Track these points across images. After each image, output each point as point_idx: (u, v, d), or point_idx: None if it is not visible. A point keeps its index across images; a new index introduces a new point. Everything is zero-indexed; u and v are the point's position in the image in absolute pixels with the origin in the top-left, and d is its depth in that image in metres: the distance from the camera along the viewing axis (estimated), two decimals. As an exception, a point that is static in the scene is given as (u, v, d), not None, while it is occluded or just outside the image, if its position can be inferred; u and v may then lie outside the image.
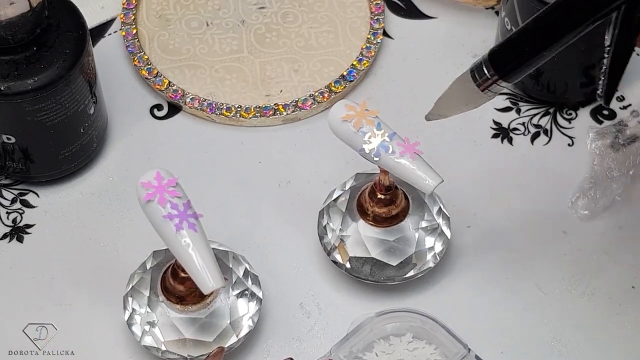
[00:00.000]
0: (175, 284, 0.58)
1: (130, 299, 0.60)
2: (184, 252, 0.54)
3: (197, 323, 0.59)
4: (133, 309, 0.60)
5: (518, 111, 0.70)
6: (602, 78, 0.49)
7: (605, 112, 0.70)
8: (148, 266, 0.61)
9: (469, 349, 0.58)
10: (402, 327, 0.60)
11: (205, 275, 0.53)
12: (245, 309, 0.60)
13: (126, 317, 0.60)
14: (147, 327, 0.59)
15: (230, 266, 0.61)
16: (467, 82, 0.53)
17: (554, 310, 0.63)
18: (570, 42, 0.48)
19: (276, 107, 0.70)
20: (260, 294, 0.61)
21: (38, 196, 0.67)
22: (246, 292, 0.60)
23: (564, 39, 0.48)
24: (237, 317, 0.60)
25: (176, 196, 0.55)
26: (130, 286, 0.61)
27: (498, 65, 0.52)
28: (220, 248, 0.61)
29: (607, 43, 0.46)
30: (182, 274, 0.58)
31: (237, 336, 0.59)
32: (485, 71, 0.52)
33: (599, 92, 0.49)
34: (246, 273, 0.61)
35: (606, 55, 0.47)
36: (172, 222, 0.54)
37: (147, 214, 0.55)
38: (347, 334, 0.59)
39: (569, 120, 0.70)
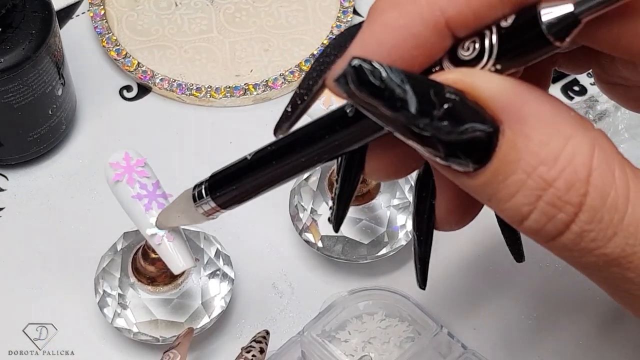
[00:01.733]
0: (146, 265, 0.58)
1: (101, 281, 0.60)
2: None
3: (168, 304, 0.59)
4: (104, 291, 0.60)
5: (489, 88, 0.70)
6: (333, 204, 0.47)
7: (576, 88, 0.70)
8: (118, 248, 0.60)
9: (442, 326, 0.58)
10: (375, 305, 0.60)
11: (175, 256, 0.53)
12: (217, 290, 0.60)
13: (97, 300, 0.60)
14: (118, 309, 0.59)
15: (202, 247, 0.60)
16: (190, 201, 0.48)
17: (528, 286, 0.63)
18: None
19: (246, 87, 0.70)
20: (232, 274, 0.60)
21: (7, 179, 0.67)
22: (218, 272, 0.60)
23: (289, 179, 0.44)
24: (209, 297, 0.59)
25: (145, 176, 0.54)
26: (101, 268, 0.60)
27: (218, 194, 0.46)
28: (191, 228, 0.61)
29: (335, 174, 0.45)
30: (153, 255, 0.57)
31: (209, 317, 0.59)
32: (205, 195, 0.47)
33: (329, 216, 0.47)
34: (218, 253, 0.61)
35: (336, 184, 0.45)
36: (141, 202, 0.53)
37: (115, 194, 0.54)
38: (320, 313, 0.59)
39: (540, 97, 0.70)
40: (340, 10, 0.73)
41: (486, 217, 0.65)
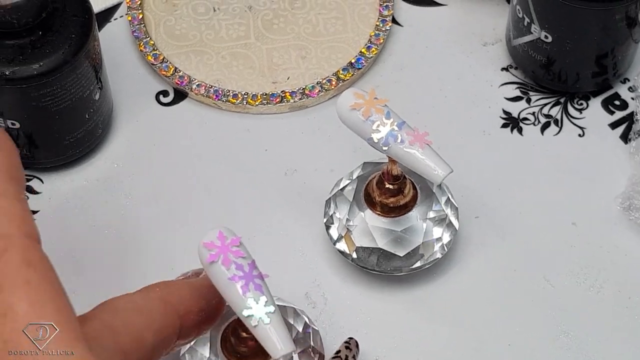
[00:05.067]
0: (237, 345, 0.57)
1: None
2: None
3: None
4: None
5: (528, 101, 0.70)
6: None
7: (617, 103, 0.69)
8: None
9: None
10: None
11: (275, 339, 0.51)
12: None
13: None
14: None
15: (292, 323, 0.59)
16: None
17: (562, 303, 0.63)
18: None
19: (283, 95, 0.69)
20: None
21: (42, 182, 0.67)
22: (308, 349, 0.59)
23: None
24: None
25: (240, 256, 0.52)
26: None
27: None
28: (280, 303, 0.59)
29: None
30: (244, 334, 0.56)
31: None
32: None
33: None
34: (306, 326, 0.60)
35: None
36: (238, 284, 0.52)
37: (210, 275, 0.52)
38: None
39: (580, 111, 0.69)
40: (379, 18, 0.72)
41: (522, 230, 0.65)
